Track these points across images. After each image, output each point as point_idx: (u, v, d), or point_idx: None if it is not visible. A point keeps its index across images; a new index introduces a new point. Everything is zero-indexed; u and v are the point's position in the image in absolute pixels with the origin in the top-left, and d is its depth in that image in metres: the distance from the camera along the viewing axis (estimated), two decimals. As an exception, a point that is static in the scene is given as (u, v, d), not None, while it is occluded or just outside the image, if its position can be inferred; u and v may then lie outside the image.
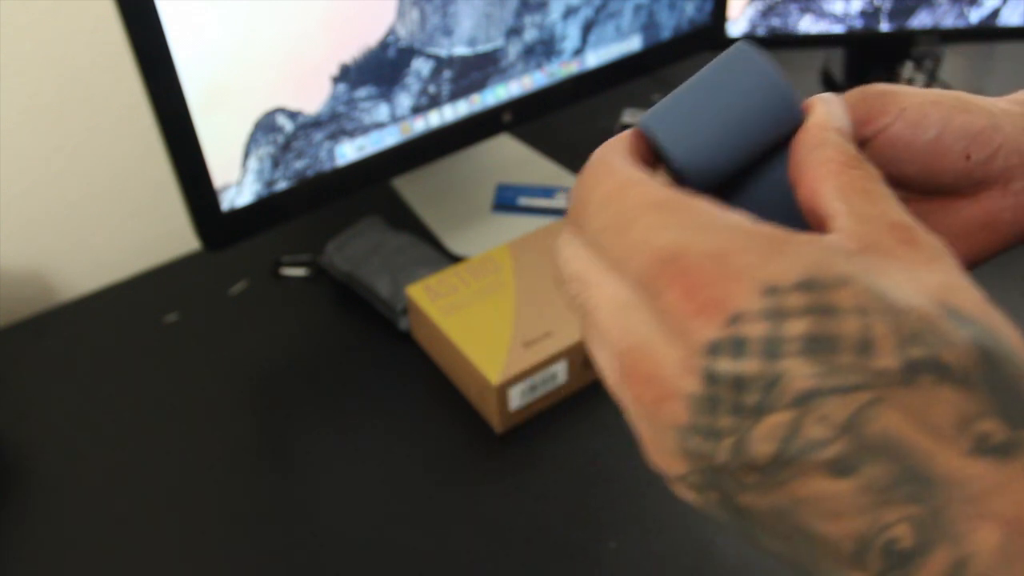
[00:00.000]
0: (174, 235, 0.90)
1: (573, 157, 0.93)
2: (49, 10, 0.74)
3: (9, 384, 0.70)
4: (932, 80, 1.02)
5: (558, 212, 0.84)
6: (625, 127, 0.81)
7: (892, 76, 1.02)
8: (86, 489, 0.62)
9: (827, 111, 0.24)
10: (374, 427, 0.65)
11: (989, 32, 0.94)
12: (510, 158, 0.93)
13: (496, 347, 0.63)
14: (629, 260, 0.21)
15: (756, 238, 0.19)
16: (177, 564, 0.56)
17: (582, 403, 0.66)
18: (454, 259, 0.80)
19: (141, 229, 0.88)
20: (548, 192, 0.87)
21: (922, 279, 0.19)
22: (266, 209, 0.65)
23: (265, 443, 0.64)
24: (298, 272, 0.80)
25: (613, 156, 0.23)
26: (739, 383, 0.19)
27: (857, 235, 0.20)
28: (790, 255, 0.19)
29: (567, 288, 0.23)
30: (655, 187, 0.21)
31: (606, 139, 1.05)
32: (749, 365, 0.18)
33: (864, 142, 0.29)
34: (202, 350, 0.72)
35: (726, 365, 0.19)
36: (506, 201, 0.86)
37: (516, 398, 0.62)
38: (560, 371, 0.64)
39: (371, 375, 0.69)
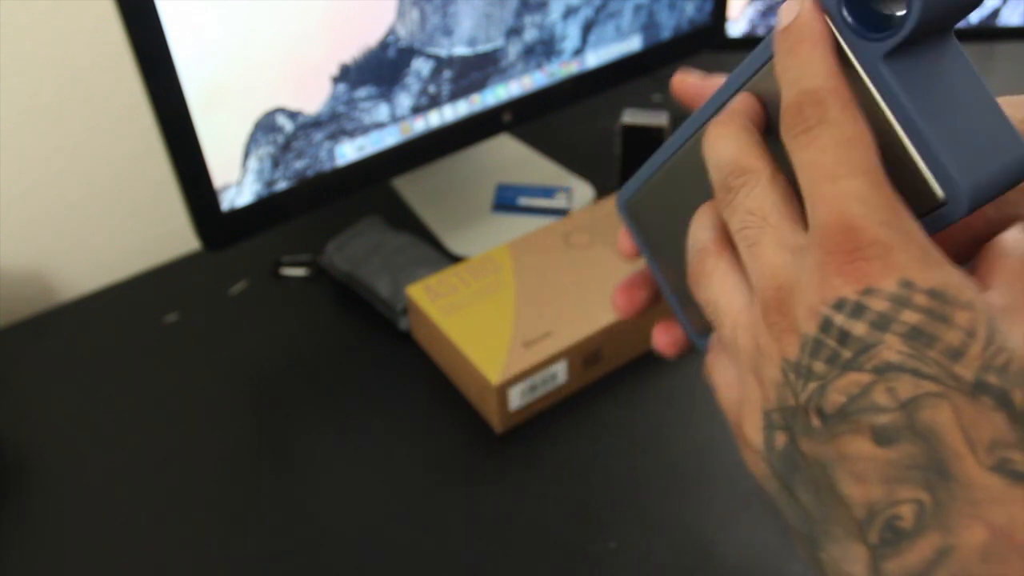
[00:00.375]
0: (174, 235, 0.90)
1: (573, 157, 0.93)
2: (49, 10, 0.74)
3: (9, 384, 0.70)
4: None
5: (558, 212, 0.84)
6: (625, 127, 0.81)
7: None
8: (86, 489, 0.62)
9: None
10: (374, 427, 0.65)
11: (989, 32, 0.94)
12: (510, 158, 0.93)
13: (496, 347, 0.63)
14: (825, 206, 0.23)
15: (921, 248, 0.22)
16: (177, 564, 0.57)
17: (582, 403, 0.66)
18: (454, 259, 0.80)
19: (141, 229, 0.88)
20: (548, 192, 0.87)
21: None
22: (266, 209, 0.65)
23: (265, 443, 0.64)
24: (298, 272, 0.80)
25: (843, 90, 0.24)
26: (843, 337, 0.22)
27: (1004, 295, 0.23)
28: (937, 270, 0.22)
29: (739, 218, 0.26)
30: (875, 158, 0.23)
31: (606, 139, 1.04)
32: (858, 327, 0.21)
33: None
34: (202, 350, 0.72)
35: (841, 320, 0.22)
36: (506, 201, 0.86)
37: (516, 398, 0.62)
38: (560, 371, 0.64)
39: (371, 375, 0.69)
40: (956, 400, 0.20)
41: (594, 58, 0.80)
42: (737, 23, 0.93)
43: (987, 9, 0.92)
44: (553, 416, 0.65)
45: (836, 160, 0.23)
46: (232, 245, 0.65)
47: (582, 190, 0.88)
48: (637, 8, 0.80)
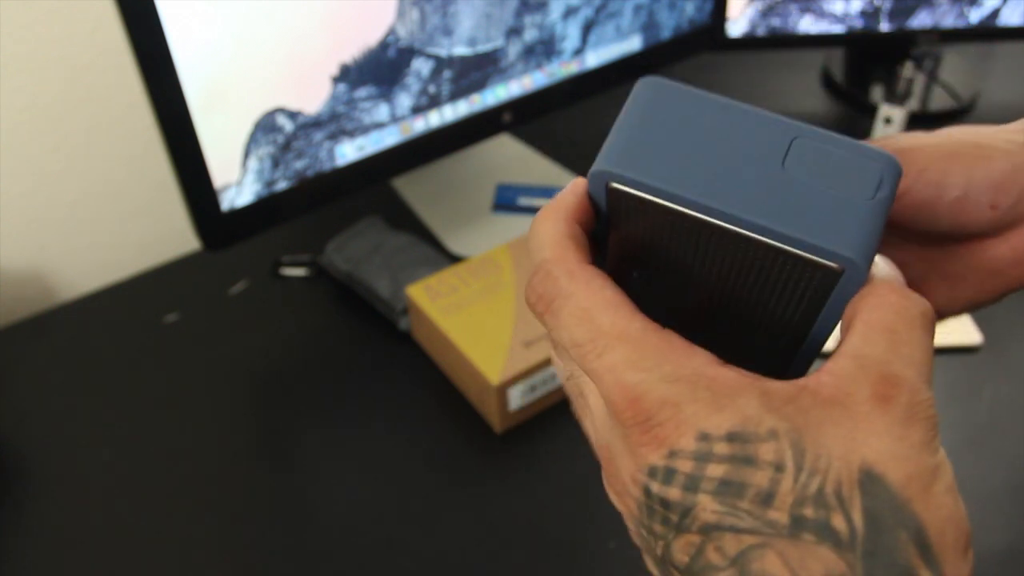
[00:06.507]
0: (174, 235, 0.90)
1: (573, 157, 0.93)
2: (49, 10, 0.74)
3: (9, 384, 0.70)
4: (932, 80, 1.02)
5: (558, 212, 0.84)
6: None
7: (892, 76, 1.02)
8: (86, 488, 0.62)
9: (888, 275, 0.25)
10: (374, 427, 0.65)
11: (989, 32, 0.94)
12: (510, 158, 0.93)
13: (496, 347, 0.63)
14: (601, 384, 0.23)
15: (709, 389, 0.22)
16: (177, 564, 0.57)
17: (582, 403, 0.66)
18: (454, 259, 0.80)
19: (141, 229, 0.88)
20: (548, 192, 0.87)
21: (860, 443, 0.21)
22: (266, 209, 0.65)
23: (265, 443, 0.64)
24: (298, 272, 0.80)
25: (569, 256, 0.25)
26: (664, 503, 0.22)
27: (834, 384, 0.22)
28: (728, 409, 0.22)
29: (563, 376, 0.26)
30: (625, 315, 0.23)
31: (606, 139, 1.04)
32: (672, 492, 0.22)
33: None
34: (202, 350, 0.72)
35: (657, 487, 0.22)
36: (506, 201, 0.86)
37: (516, 398, 0.62)
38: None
39: (371, 375, 0.69)
40: (779, 546, 0.21)
41: (594, 58, 0.80)
42: (737, 23, 0.93)
43: (987, 9, 0.92)
44: (553, 416, 0.65)
45: (588, 336, 0.23)
46: (232, 245, 0.65)
47: (582, 190, 0.88)
48: (637, 8, 0.80)
